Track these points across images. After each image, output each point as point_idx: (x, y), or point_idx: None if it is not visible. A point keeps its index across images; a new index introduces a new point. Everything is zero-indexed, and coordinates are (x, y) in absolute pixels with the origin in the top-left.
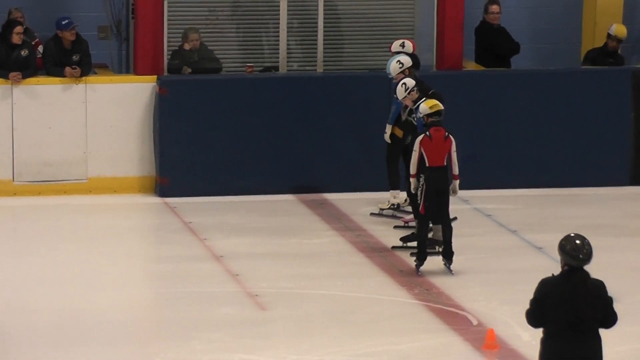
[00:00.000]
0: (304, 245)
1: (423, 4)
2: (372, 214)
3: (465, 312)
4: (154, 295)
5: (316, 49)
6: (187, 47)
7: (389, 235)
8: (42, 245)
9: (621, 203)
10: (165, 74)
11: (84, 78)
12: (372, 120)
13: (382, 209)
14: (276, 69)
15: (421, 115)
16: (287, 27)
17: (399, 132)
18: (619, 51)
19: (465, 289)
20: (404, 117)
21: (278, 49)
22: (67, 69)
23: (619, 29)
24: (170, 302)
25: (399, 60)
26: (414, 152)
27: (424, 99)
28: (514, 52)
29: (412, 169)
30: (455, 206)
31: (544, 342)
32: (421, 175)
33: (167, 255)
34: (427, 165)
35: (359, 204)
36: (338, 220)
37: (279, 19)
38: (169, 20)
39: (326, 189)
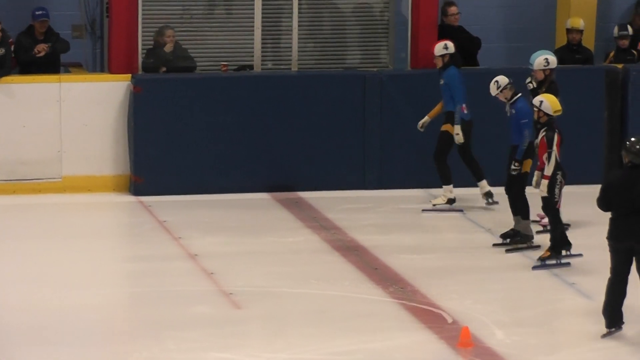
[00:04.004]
0: (279, 244)
1: (398, 4)
2: (424, 210)
3: (440, 310)
4: (128, 294)
5: (291, 47)
6: (168, 48)
7: (364, 233)
8: (16, 244)
9: (595, 202)
10: (140, 72)
11: (58, 76)
12: (346, 119)
13: (435, 205)
14: (251, 67)
15: (544, 113)
16: (262, 26)
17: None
18: (582, 43)
19: (440, 287)
20: (509, 113)
21: (253, 48)
22: (39, 45)
23: (574, 21)
24: (145, 301)
25: (546, 58)
26: (554, 153)
27: (519, 94)
28: (478, 47)
29: (550, 170)
30: (430, 204)
31: (611, 221)
32: (558, 172)
33: (142, 254)
34: (558, 161)
35: (334, 203)
36: (313, 219)
37: (253, 18)
38: (143, 18)
39: (301, 187)
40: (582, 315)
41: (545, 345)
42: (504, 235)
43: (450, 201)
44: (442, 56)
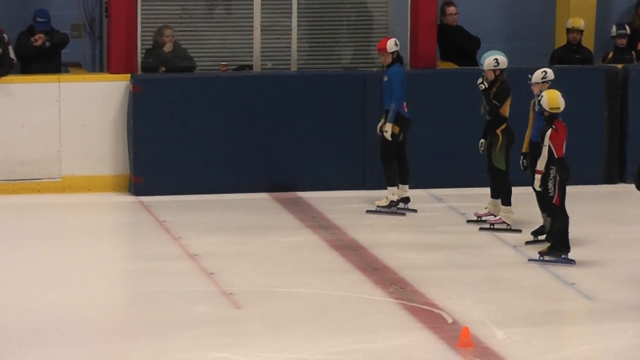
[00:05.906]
0: (279, 244)
1: (397, 3)
2: (367, 211)
3: (440, 310)
4: (128, 293)
5: (290, 47)
6: (167, 48)
7: (363, 233)
8: (15, 244)
9: (595, 201)
10: (139, 72)
11: (57, 76)
12: (346, 119)
13: (379, 206)
14: (250, 67)
15: (541, 108)
16: (261, 26)
17: (396, 129)
18: (582, 43)
19: (440, 287)
20: (537, 108)
21: (252, 48)
22: (36, 35)
23: (574, 21)
24: (145, 300)
25: (496, 58)
26: (544, 147)
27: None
28: (477, 47)
29: (542, 165)
30: (429, 205)
31: None
32: (551, 167)
33: (142, 254)
34: (555, 157)
35: (333, 202)
36: (312, 219)
37: (252, 18)
38: (142, 18)
39: (300, 187)
40: (582, 315)
41: (546, 346)
42: (534, 233)
43: (393, 203)
44: (392, 53)
